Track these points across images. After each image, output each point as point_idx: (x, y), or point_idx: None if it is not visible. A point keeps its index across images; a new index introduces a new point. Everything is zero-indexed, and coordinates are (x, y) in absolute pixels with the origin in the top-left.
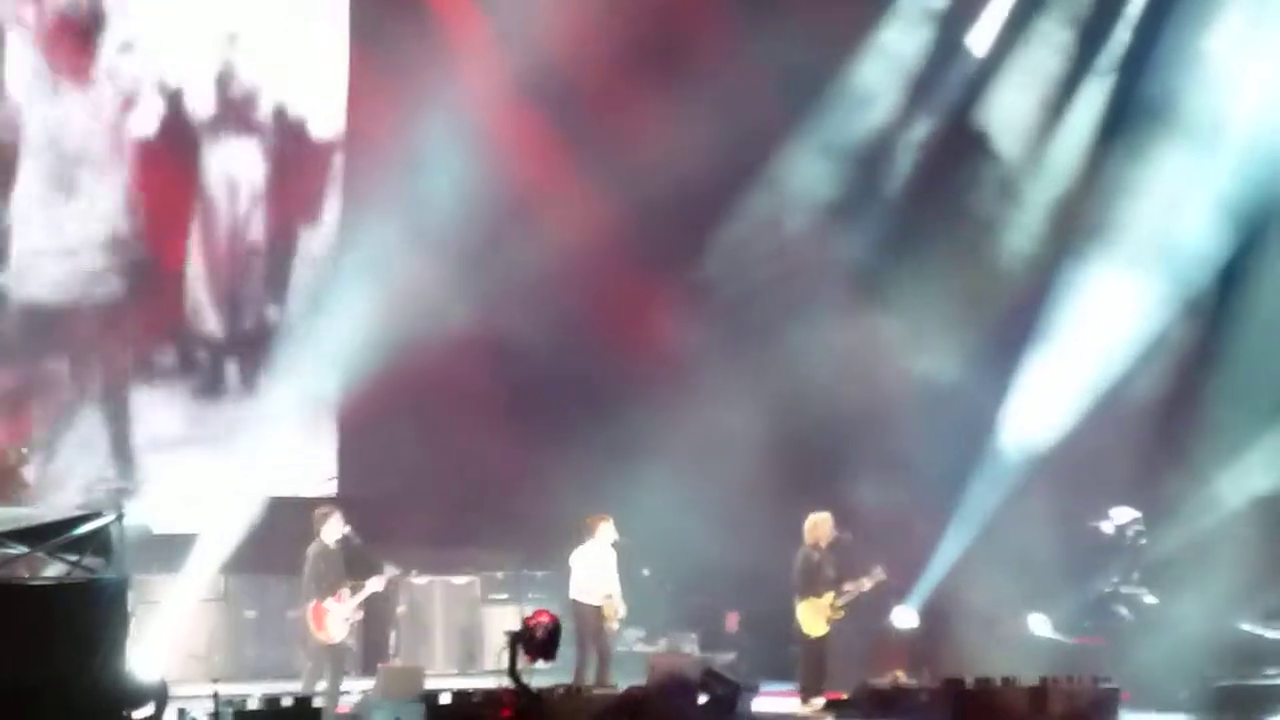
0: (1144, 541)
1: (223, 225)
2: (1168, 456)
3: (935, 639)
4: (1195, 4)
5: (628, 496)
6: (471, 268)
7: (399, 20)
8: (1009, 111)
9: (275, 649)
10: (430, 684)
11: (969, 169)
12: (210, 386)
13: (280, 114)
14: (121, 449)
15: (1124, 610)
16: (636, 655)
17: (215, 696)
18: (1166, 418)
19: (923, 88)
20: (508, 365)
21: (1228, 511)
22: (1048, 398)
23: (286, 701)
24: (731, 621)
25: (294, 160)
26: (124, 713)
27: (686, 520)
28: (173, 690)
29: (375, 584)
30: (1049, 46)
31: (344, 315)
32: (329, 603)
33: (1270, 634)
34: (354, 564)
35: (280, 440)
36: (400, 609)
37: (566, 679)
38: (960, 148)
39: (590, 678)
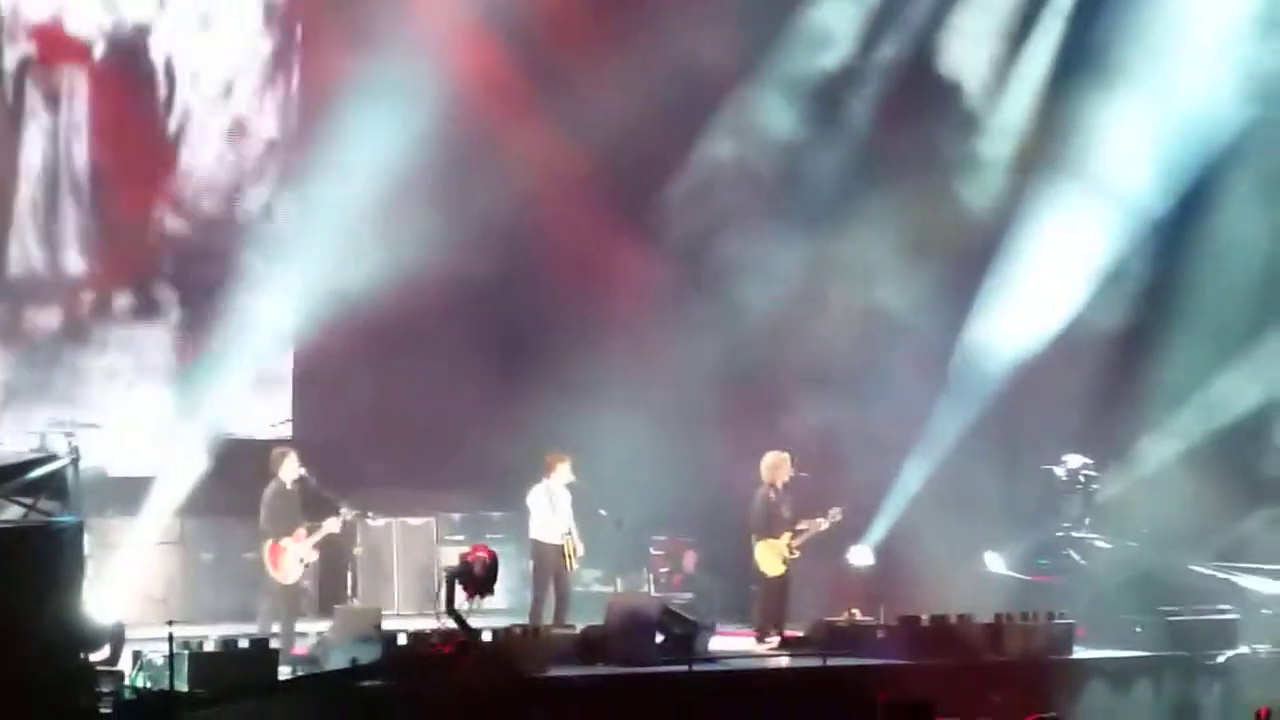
0: (1095, 487)
1: (183, 167)
2: (1124, 393)
3: (891, 577)
4: None
5: (585, 437)
6: (429, 209)
7: None
8: (968, 45)
9: (232, 591)
10: (387, 625)
11: (928, 104)
12: (166, 329)
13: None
14: (77, 392)
15: (1075, 555)
16: (594, 595)
17: (170, 639)
18: (1122, 353)
19: (882, 22)
20: (464, 307)
21: (1182, 448)
22: (1004, 334)
23: (243, 643)
24: (689, 561)
25: (252, 99)
26: (80, 655)
27: (643, 460)
28: (129, 633)
29: (331, 525)
30: None
31: (300, 258)
32: (285, 542)
33: (1222, 575)
34: (310, 505)
35: (236, 383)
36: (357, 550)
37: (523, 619)
38: (919, 83)
39: (548, 618)
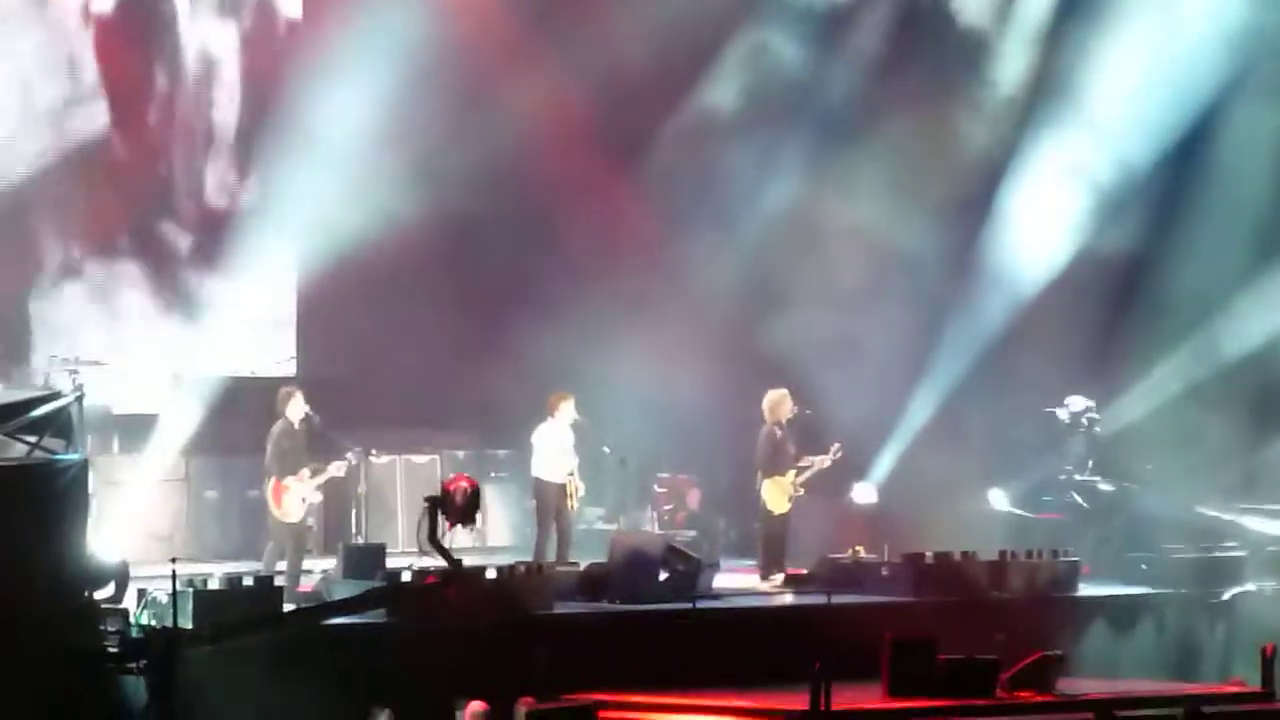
0: (1098, 429)
1: (188, 105)
2: (1128, 326)
3: (895, 514)
4: None
5: (588, 375)
6: (431, 150)
7: None
8: None
9: (237, 530)
10: (392, 562)
11: (931, 39)
12: (171, 267)
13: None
14: (82, 329)
15: (1079, 498)
16: (597, 533)
17: (174, 576)
18: (1126, 286)
19: None
20: (468, 246)
21: (1187, 383)
22: (1006, 268)
23: (248, 581)
24: (692, 499)
25: (257, 42)
26: (85, 593)
27: (647, 398)
28: (134, 571)
29: (336, 469)
30: None
31: (304, 198)
32: (289, 480)
33: (1227, 516)
34: (316, 445)
35: (240, 321)
36: (361, 489)
37: (526, 557)
38: (923, 17)
39: (550, 555)
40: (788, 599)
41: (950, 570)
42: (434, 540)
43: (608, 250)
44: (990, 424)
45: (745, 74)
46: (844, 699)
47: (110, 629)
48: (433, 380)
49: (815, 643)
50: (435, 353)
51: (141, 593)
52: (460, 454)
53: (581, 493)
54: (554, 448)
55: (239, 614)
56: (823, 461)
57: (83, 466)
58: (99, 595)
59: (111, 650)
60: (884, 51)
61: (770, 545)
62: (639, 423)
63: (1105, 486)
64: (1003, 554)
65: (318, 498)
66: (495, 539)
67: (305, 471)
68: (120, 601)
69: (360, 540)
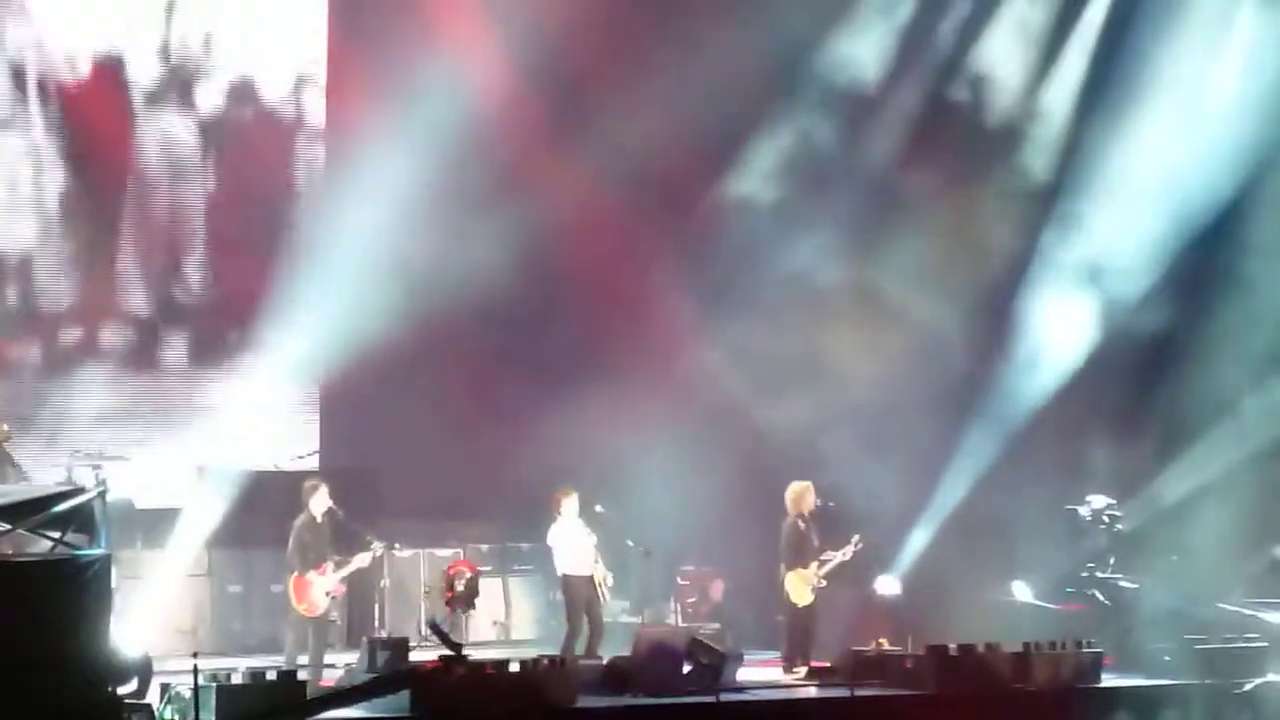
0: (1120, 527)
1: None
2: (1151, 421)
3: (919, 606)
4: None
5: (611, 466)
6: (457, 235)
7: None
8: (999, 69)
9: (261, 623)
10: (415, 656)
11: (958, 130)
12: (192, 359)
13: (250, 85)
14: (104, 424)
15: (1100, 595)
16: (622, 626)
17: (195, 670)
18: (1151, 376)
19: (913, 46)
20: (491, 337)
21: (1209, 478)
22: (1032, 363)
23: (271, 675)
24: (716, 590)
25: (277, 139)
26: (108, 689)
27: (672, 489)
28: (157, 666)
29: (361, 560)
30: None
31: (328, 286)
32: (311, 575)
33: (1248, 612)
34: (339, 538)
35: (263, 414)
36: (384, 582)
37: (551, 649)
38: (950, 109)
39: (581, 649)
40: (811, 692)
41: (974, 662)
42: (434, 626)
43: (634, 339)
44: (1013, 516)
45: (774, 158)
46: None
47: None
48: (456, 472)
49: None
50: (458, 445)
51: (165, 687)
52: (484, 547)
53: (611, 582)
54: (570, 544)
55: (258, 706)
56: (843, 554)
57: (106, 561)
58: (122, 690)
59: None
60: (913, 137)
61: (794, 637)
62: (663, 514)
63: (1127, 584)
64: (1027, 645)
65: (342, 590)
66: (519, 632)
67: (328, 565)
68: (144, 697)
69: (384, 634)
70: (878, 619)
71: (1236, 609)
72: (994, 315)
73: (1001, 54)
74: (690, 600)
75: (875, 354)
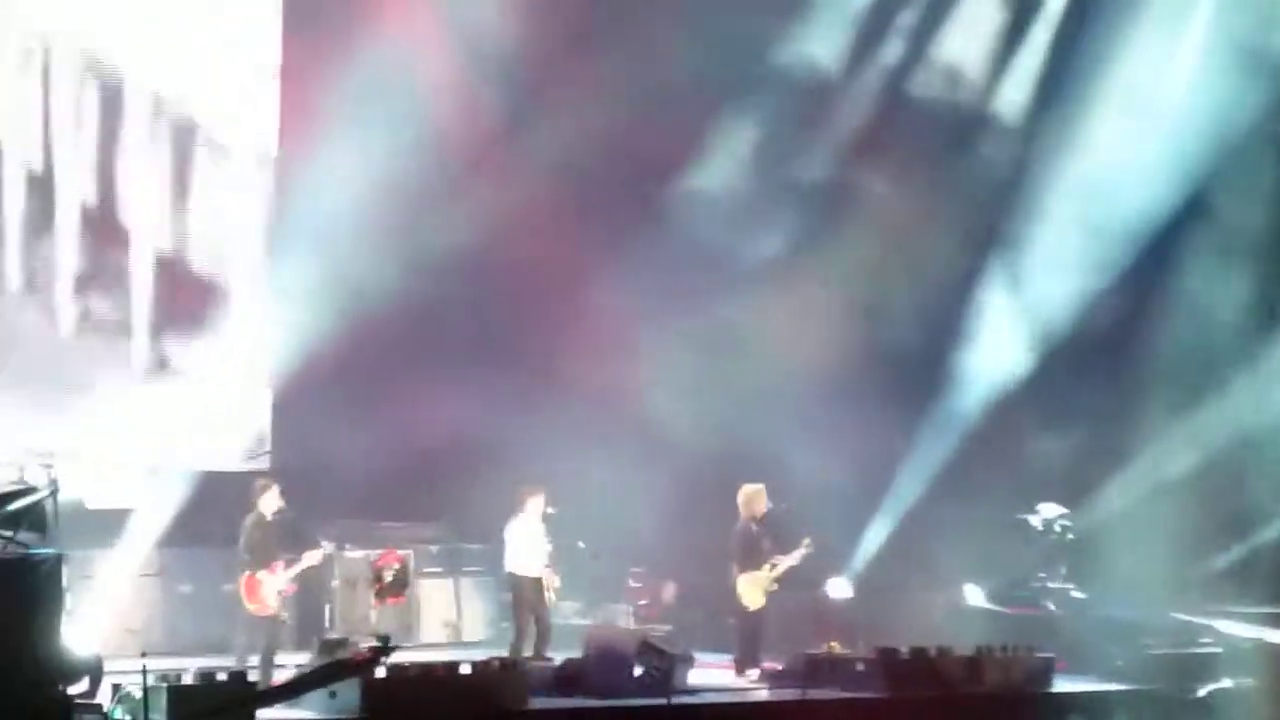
0: (1071, 537)
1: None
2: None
3: (871, 609)
4: None
5: (562, 468)
6: (402, 238)
7: None
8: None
9: (212, 623)
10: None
11: (912, 126)
12: (144, 360)
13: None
14: (54, 423)
15: (1051, 605)
16: (572, 628)
17: (144, 670)
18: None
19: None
20: (439, 340)
21: (1152, 490)
22: (982, 366)
23: (221, 676)
24: (667, 593)
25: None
26: (59, 688)
27: (621, 491)
28: (108, 666)
29: (311, 558)
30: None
31: (277, 290)
32: (262, 574)
33: (1201, 620)
34: (289, 538)
35: (213, 414)
36: (334, 583)
37: (502, 652)
38: (907, 104)
39: (528, 650)
40: (763, 694)
41: (925, 666)
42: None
43: (582, 341)
44: (965, 520)
45: (726, 154)
46: None
47: None
48: (406, 474)
49: None
50: (408, 446)
51: (116, 687)
52: (434, 548)
53: (558, 585)
54: (526, 542)
55: (207, 704)
56: (794, 558)
57: (57, 560)
58: (73, 690)
59: None
60: (866, 132)
61: (746, 640)
62: (613, 516)
63: (1078, 594)
64: (978, 649)
65: (292, 589)
66: (470, 634)
67: (279, 564)
68: (94, 697)
69: (334, 634)
70: (829, 622)
71: (1189, 617)
72: (946, 315)
73: (958, 49)
74: (641, 602)
75: (828, 355)
